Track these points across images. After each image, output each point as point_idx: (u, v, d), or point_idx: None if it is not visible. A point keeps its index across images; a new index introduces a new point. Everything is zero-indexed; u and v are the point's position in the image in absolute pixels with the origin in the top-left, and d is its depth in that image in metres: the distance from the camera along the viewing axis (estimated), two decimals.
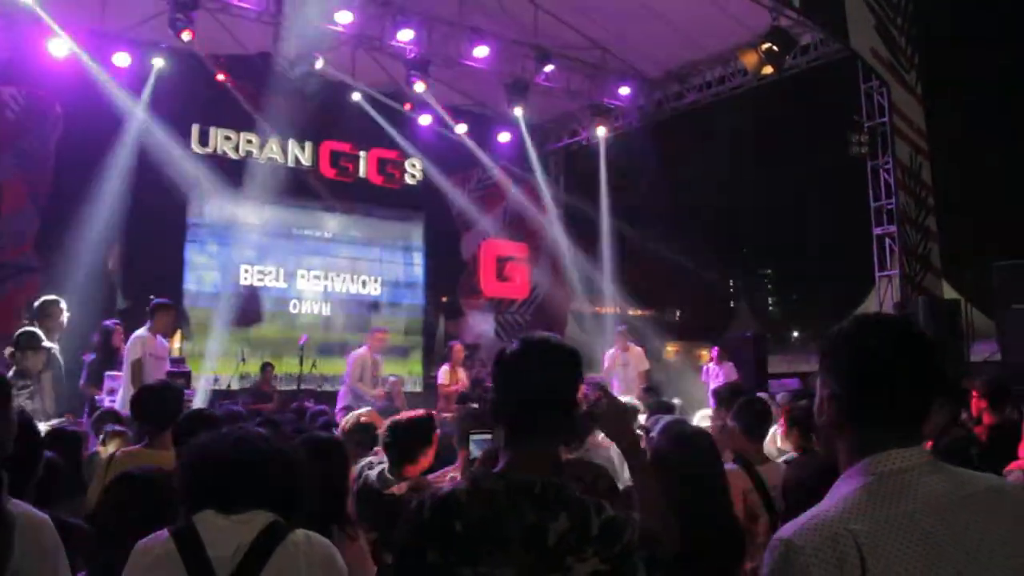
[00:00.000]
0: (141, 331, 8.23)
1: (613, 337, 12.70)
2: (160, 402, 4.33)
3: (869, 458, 1.61)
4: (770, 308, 57.77)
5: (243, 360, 12.89)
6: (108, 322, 9.76)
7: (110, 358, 9.02)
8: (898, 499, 1.55)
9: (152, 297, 8.85)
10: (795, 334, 42.26)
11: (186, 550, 2.09)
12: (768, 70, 12.70)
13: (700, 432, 3.31)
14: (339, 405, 9.99)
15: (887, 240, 12.93)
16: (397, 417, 4.25)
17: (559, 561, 1.94)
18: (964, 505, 1.57)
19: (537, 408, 2.08)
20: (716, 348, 13.00)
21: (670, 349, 33.27)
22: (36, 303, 8.05)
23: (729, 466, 4.01)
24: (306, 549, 2.14)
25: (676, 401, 7.86)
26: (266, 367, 12.41)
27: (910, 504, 1.54)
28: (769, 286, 62.39)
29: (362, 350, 11.04)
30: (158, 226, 12.77)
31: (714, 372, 12.47)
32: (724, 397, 5.59)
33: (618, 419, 2.40)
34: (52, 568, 2.24)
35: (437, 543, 1.99)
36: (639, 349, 12.36)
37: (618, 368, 12.08)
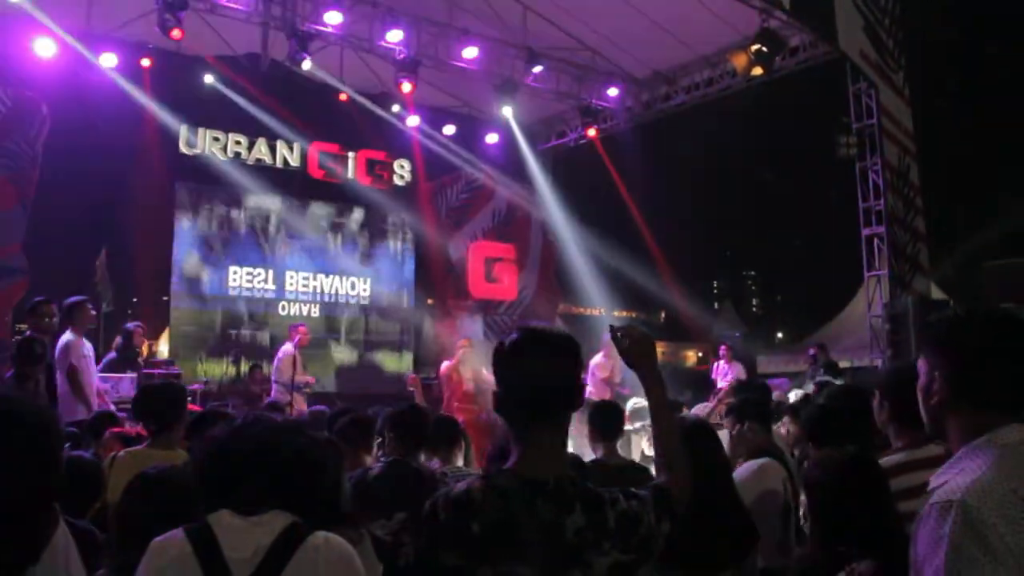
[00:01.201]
0: (67, 336, 7.76)
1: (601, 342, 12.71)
2: (164, 401, 4.29)
3: (989, 434, 1.73)
4: (754, 309, 58.05)
5: (234, 361, 12.82)
6: (130, 324, 9.79)
7: (130, 359, 9.03)
8: None
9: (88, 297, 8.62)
10: (779, 335, 42.43)
11: (203, 551, 2.02)
12: (757, 71, 12.74)
13: (699, 423, 3.31)
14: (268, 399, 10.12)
15: (876, 240, 12.99)
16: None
17: (578, 556, 1.94)
18: None
19: (544, 398, 2.06)
20: (724, 346, 13.26)
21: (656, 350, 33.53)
22: (28, 304, 7.94)
23: (764, 460, 4.04)
24: (325, 552, 2.07)
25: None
26: (254, 369, 12.34)
27: None
28: (753, 287, 62.70)
29: (288, 346, 11.12)
30: (146, 228, 12.68)
31: (723, 370, 12.65)
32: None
33: (641, 343, 2.32)
34: (64, 566, 2.18)
35: (454, 545, 1.97)
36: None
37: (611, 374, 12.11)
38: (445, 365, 11.22)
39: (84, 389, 7.60)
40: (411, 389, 10.69)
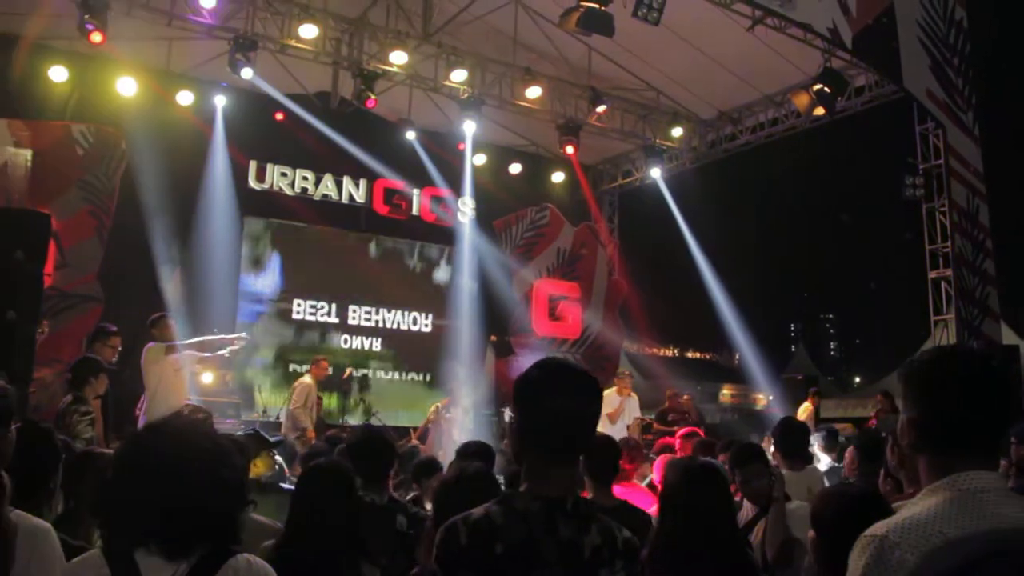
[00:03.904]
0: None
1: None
2: None
3: (952, 476, 1.72)
4: (832, 353, 56.79)
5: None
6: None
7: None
8: (980, 515, 1.66)
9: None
10: (857, 379, 41.47)
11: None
12: (820, 112, 12.65)
13: (707, 466, 3.31)
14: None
15: (943, 284, 12.69)
16: None
17: (593, 574, 2.02)
18: None
19: (566, 438, 2.11)
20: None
21: (726, 392, 32.95)
22: (92, 330, 8.24)
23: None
24: (246, 574, 1.98)
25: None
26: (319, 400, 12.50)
27: (992, 522, 1.65)
28: (831, 331, 61.39)
29: (307, 379, 11.31)
30: (215, 259, 13.06)
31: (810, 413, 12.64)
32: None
33: None
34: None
35: (475, 567, 2.01)
36: (636, 396, 12.91)
37: (620, 414, 12.39)
38: None
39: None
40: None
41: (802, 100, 12.62)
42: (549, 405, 2.10)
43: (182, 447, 2.00)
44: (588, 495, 4.57)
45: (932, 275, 12.81)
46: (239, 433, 7.15)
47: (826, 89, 12.22)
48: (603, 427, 12.05)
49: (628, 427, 12.21)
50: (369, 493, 3.95)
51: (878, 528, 1.67)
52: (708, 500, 3.01)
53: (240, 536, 2.05)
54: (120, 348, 8.28)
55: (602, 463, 4.51)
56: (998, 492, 1.71)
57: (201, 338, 9.45)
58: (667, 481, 3.15)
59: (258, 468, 5.35)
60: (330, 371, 12.06)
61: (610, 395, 12.44)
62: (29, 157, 11.66)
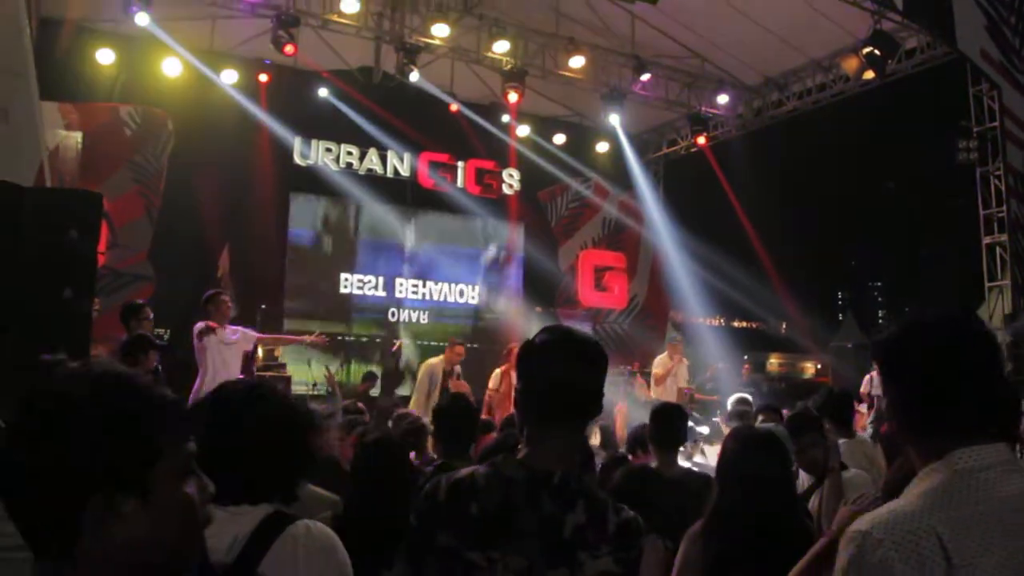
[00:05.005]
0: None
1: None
2: None
3: (947, 456, 1.54)
4: (880, 321, 56.08)
5: (342, 366, 13.16)
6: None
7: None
8: (979, 497, 1.49)
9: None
10: None
11: None
12: (870, 75, 12.38)
13: (766, 435, 3.27)
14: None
15: (998, 249, 12.42)
16: None
17: (571, 555, 1.93)
18: None
19: (560, 402, 2.06)
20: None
21: (773, 361, 32.70)
22: (124, 305, 8.20)
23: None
24: (305, 540, 1.99)
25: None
26: (368, 377, 12.62)
27: (992, 504, 1.48)
28: (880, 299, 60.63)
29: (436, 360, 10.87)
30: (262, 236, 13.18)
31: (877, 382, 12.40)
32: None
33: None
34: None
35: (449, 525, 1.98)
36: (687, 362, 12.78)
37: (670, 376, 12.30)
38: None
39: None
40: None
41: (851, 64, 12.36)
42: (545, 370, 2.07)
43: (259, 402, 2.11)
44: (654, 462, 4.58)
45: (987, 240, 12.53)
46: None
47: (876, 52, 11.94)
48: (648, 389, 12.13)
49: (680, 390, 12.21)
50: (454, 461, 3.93)
51: (862, 522, 1.51)
52: (768, 469, 2.98)
53: (297, 498, 2.11)
54: (152, 318, 8.27)
55: (667, 430, 4.52)
56: (1001, 468, 1.51)
57: (277, 335, 9.60)
58: (726, 449, 3.11)
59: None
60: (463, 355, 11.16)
61: (662, 359, 12.49)
62: (80, 139, 11.83)
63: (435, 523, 2.01)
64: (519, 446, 2.15)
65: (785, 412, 5.84)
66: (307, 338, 9.96)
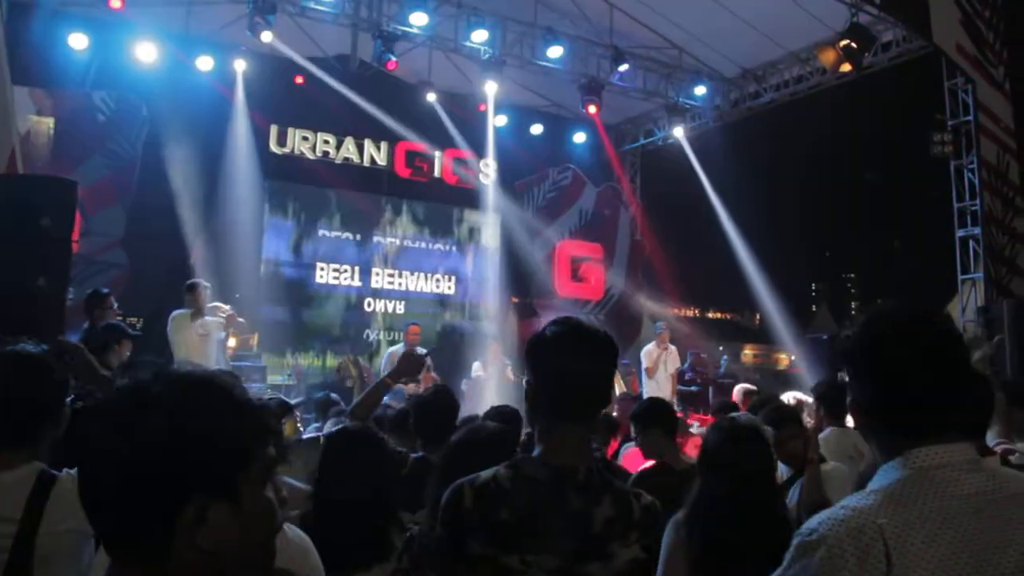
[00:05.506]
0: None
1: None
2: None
3: (908, 452, 1.53)
4: (853, 313, 56.57)
5: (318, 356, 13.10)
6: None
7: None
8: (934, 495, 1.48)
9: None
10: None
11: None
12: (847, 68, 12.43)
13: (748, 426, 3.28)
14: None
15: (971, 242, 12.53)
16: None
17: (603, 547, 1.93)
18: (1006, 504, 1.50)
19: (579, 399, 2.04)
20: None
21: (748, 352, 32.86)
22: (88, 293, 7.95)
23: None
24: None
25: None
26: (342, 364, 12.58)
27: (947, 501, 1.47)
28: (852, 290, 61.15)
29: (399, 347, 11.25)
30: (237, 225, 13.07)
31: None
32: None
33: None
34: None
35: (481, 532, 1.95)
36: (675, 348, 12.72)
37: (660, 365, 12.31)
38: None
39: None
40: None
41: (828, 56, 12.40)
42: (561, 365, 2.04)
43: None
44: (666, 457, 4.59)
45: (960, 233, 12.64)
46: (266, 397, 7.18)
47: (853, 45, 12.00)
48: (642, 382, 12.18)
49: (671, 376, 12.36)
50: (432, 453, 3.89)
51: (812, 520, 1.51)
52: (750, 460, 2.98)
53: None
54: (115, 307, 8.16)
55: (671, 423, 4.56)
56: (957, 468, 1.51)
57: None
58: (708, 440, 3.11)
59: (286, 431, 5.40)
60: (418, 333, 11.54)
61: (649, 350, 12.50)
62: (52, 125, 11.68)
63: (465, 531, 1.98)
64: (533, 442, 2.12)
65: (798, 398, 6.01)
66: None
